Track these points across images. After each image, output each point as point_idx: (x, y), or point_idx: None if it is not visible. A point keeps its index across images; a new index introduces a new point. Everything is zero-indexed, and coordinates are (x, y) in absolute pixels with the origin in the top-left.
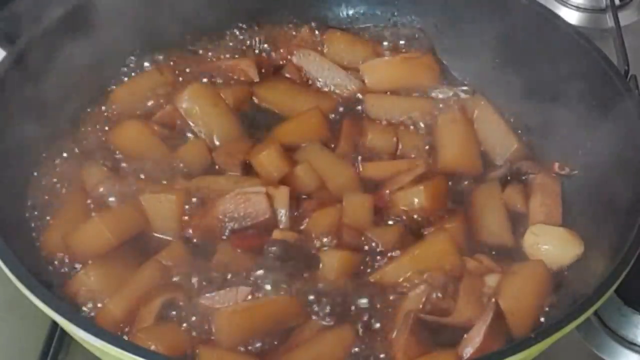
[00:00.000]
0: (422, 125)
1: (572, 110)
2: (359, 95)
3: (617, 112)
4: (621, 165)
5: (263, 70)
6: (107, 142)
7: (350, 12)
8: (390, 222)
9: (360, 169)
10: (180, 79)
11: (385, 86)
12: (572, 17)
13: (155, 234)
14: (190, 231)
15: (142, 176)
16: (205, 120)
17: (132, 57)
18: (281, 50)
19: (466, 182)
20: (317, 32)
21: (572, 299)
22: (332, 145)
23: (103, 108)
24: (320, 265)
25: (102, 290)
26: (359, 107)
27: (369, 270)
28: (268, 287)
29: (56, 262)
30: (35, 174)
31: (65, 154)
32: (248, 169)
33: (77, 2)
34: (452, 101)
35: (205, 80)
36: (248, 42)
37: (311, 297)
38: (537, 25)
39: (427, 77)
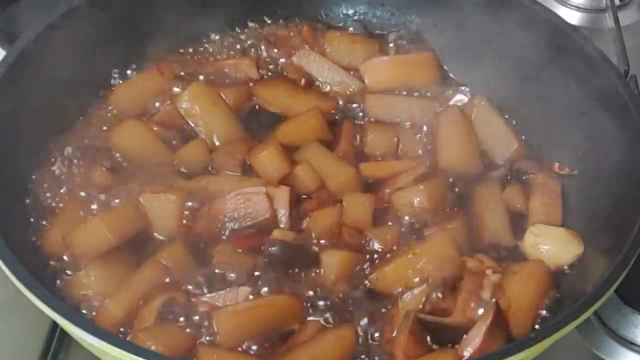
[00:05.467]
0: (422, 125)
1: (572, 110)
2: (359, 96)
3: (616, 112)
4: (621, 166)
5: (263, 70)
6: (107, 142)
7: (350, 12)
8: (390, 222)
9: (360, 169)
10: (180, 79)
11: (385, 86)
12: (572, 17)
13: (155, 234)
14: (190, 231)
15: (142, 176)
16: (205, 120)
17: (132, 57)
18: (281, 50)
19: (466, 182)
20: (317, 32)
21: (572, 299)
22: (332, 146)
23: (103, 108)
24: (320, 265)
25: (102, 291)
26: (359, 107)
27: (369, 270)
28: (268, 287)
29: (56, 262)
30: (36, 174)
31: (65, 154)
32: (248, 169)
33: (77, 3)
34: (452, 101)
35: (205, 80)
36: (248, 42)
37: (311, 297)
38: (536, 26)
39: (427, 77)
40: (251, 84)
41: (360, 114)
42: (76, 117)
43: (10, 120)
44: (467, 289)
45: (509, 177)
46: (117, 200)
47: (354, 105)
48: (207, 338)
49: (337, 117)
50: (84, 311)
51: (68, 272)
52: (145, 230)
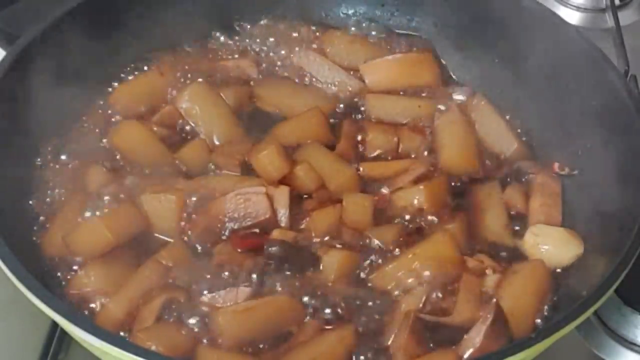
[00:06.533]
0: (422, 125)
1: (571, 110)
2: (359, 96)
3: (616, 112)
4: (621, 166)
5: (263, 70)
6: (107, 142)
7: (350, 12)
8: (390, 222)
9: (360, 169)
10: (181, 79)
11: (385, 86)
12: (572, 17)
13: (155, 234)
14: (190, 231)
15: (142, 176)
16: (205, 120)
17: (132, 57)
18: (281, 50)
19: (466, 182)
20: (317, 32)
21: (572, 299)
22: (332, 146)
23: (103, 108)
24: (320, 265)
25: (102, 291)
26: (359, 107)
27: (369, 270)
28: (268, 287)
29: (56, 262)
30: (35, 174)
31: (65, 154)
32: (248, 169)
33: (77, 3)
34: (452, 101)
35: (205, 80)
36: (248, 42)
37: (311, 297)
38: (537, 26)
39: (427, 77)
40: (251, 84)
41: (361, 114)
42: (76, 117)
43: (9, 120)
44: (467, 289)
45: (509, 177)
46: (117, 200)
47: (354, 105)
48: (207, 338)
49: (337, 117)
50: (84, 311)
51: (68, 272)
52: (145, 230)
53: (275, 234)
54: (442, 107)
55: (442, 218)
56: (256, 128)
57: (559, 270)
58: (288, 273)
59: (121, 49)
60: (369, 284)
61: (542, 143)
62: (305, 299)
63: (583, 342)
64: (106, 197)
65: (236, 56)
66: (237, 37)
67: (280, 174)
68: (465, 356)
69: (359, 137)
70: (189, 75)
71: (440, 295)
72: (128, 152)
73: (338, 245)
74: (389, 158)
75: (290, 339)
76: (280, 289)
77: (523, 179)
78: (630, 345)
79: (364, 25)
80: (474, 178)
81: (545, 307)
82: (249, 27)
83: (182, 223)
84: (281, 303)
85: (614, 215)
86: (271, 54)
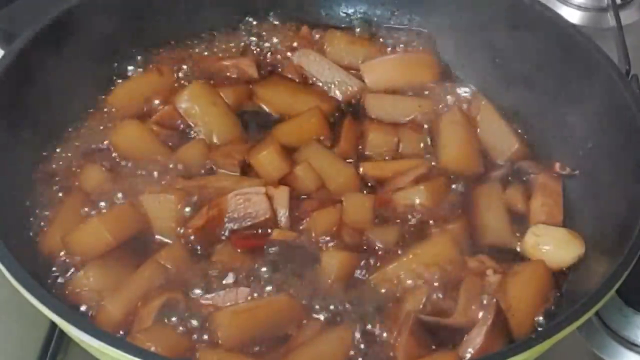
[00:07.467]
0: (422, 125)
1: (573, 110)
2: (359, 95)
3: (617, 112)
4: (622, 165)
5: (263, 70)
6: (107, 142)
7: (350, 11)
8: (391, 222)
9: (360, 169)
10: (180, 79)
11: (386, 86)
12: (573, 16)
13: (155, 234)
14: (190, 231)
15: (142, 176)
16: (205, 120)
17: (132, 57)
18: (281, 50)
19: (467, 182)
20: (317, 32)
21: (573, 300)
22: (332, 145)
23: (103, 108)
24: (321, 265)
25: (101, 291)
26: (359, 107)
27: (369, 270)
28: (268, 287)
29: (55, 263)
30: (34, 174)
31: (65, 154)
32: (248, 169)
33: (76, 2)
34: (452, 101)
35: (205, 80)
36: (248, 41)
37: (311, 297)
38: (537, 25)
39: (427, 76)
40: (251, 84)
41: (361, 114)
42: (75, 117)
43: (8, 120)
44: (468, 290)
45: (509, 177)
46: (116, 201)
47: (354, 105)
48: (207, 339)
49: (337, 117)
50: (82, 312)
51: (67, 272)
52: (144, 230)
53: (275, 234)
54: (442, 107)
55: (442, 218)
56: (256, 128)
57: (560, 270)
58: (288, 273)
59: (120, 49)
60: (369, 284)
61: (543, 143)
62: (305, 299)
63: (584, 343)
64: (105, 197)
65: (236, 56)
66: (237, 37)
67: (280, 174)
68: (466, 357)
69: (359, 137)
70: (189, 75)
71: (440, 295)
72: (128, 152)
73: (338, 245)
74: (389, 158)
75: (290, 340)
76: (280, 289)
77: (524, 179)
78: (631, 346)
79: (364, 24)
80: (475, 178)
81: (546, 307)
82: (249, 26)
83: (182, 223)
84: (281, 303)
85: (615, 216)
86: (271, 53)
